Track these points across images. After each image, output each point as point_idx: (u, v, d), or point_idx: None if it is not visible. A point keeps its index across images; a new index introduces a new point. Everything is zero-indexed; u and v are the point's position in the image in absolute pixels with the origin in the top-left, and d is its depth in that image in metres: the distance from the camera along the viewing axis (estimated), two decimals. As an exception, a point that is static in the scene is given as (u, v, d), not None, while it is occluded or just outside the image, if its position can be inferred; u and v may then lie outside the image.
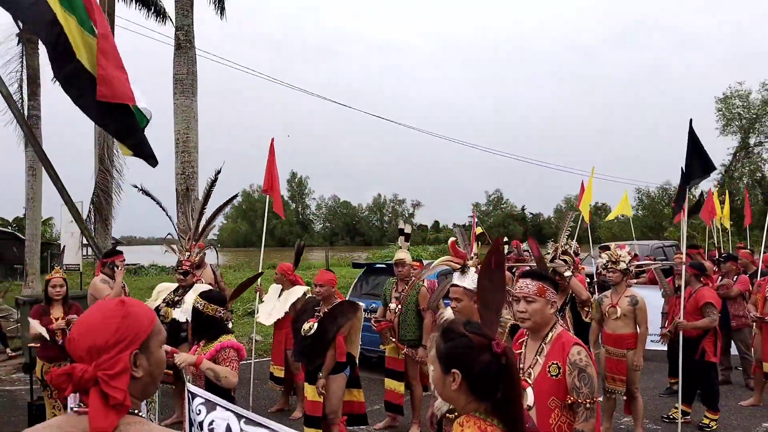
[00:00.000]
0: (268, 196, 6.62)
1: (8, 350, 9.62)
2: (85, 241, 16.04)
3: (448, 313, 3.92)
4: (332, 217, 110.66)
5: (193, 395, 3.18)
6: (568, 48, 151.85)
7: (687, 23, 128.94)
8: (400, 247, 6.39)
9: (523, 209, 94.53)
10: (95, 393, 1.30)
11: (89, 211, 14.07)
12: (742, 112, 38.26)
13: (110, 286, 5.96)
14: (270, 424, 2.92)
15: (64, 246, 13.06)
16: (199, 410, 3.09)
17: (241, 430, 2.91)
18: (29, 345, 6.00)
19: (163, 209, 6.28)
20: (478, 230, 15.12)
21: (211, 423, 3.01)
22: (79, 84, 3.17)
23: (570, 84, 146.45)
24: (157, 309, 5.77)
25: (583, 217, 9.77)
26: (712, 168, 6.11)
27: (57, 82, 3.24)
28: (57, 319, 5.36)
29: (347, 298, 6.45)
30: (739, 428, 6.02)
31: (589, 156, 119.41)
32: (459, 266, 3.66)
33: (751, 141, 38.40)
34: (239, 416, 2.98)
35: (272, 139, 6.53)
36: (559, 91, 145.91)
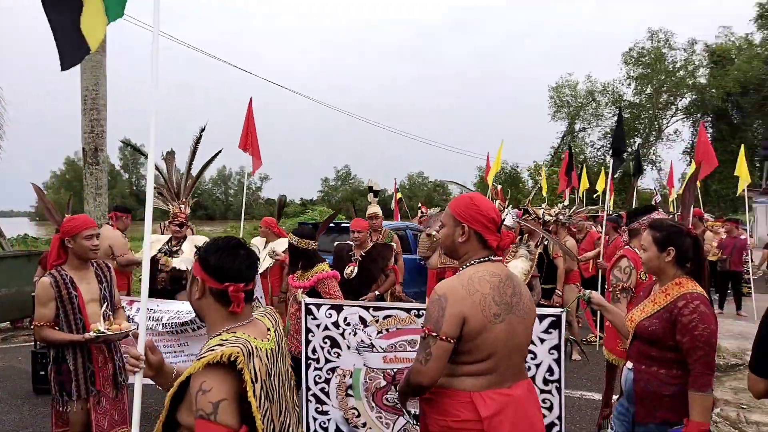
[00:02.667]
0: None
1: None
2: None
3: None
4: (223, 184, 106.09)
5: (317, 306, 3.76)
6: (410, 29, 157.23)
7: (521, 14, 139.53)
8: (370, 203, 7.09)
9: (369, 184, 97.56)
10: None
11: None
12: (570, 101, 43.24)
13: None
14: (393, 305, 3.70)
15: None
16: (330, 314, 3.68)
17: (373, 315, 3.61)
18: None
19: (159, 168, 6.36)
20: (399, 195, 16.59)
21: (345, 318, 3.65)
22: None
23: (414, 64, 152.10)
24: (155, 258, 5.96)
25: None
26: (623, 152, 8.00)
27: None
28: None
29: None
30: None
31: (434, 134, 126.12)
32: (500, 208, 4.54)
33: (577, 126, 43.55)
34: (365, 307, 3.67)
35: (251, 99, 6.83)
36: (403, 69, 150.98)
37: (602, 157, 42.37)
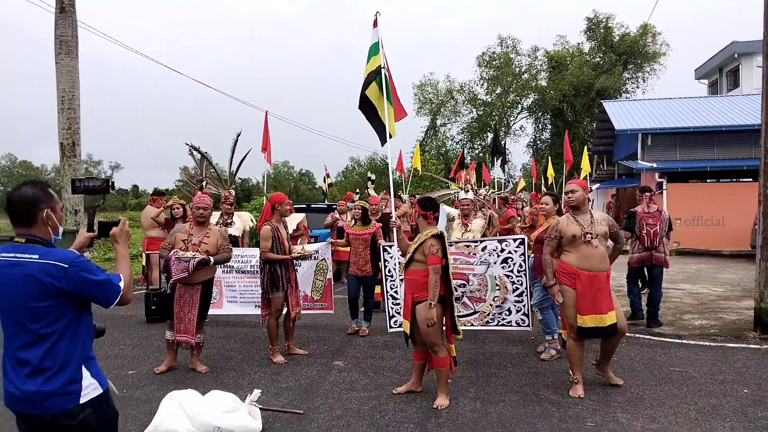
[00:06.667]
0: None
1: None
2: None
3: (452, 211, 7.76)
4: (7, 179, 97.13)
5: (390, 245, 6.45)
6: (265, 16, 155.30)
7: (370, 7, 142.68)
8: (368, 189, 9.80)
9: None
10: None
11: None
12: (432, 98, 47.77)
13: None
14: None
15: None
16: (392, 255, 6.42)
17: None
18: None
19: (209, 162, 8.53)
20: (330, 181, 19.49)
21: None
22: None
23: (268, 51, 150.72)
24: (215, 228, 8.23)
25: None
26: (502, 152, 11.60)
27: None
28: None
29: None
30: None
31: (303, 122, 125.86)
32: (467, 189, 7.50)
33: (438, 122, 48.17)
34: None
35: (266, 112, 9.20)
36: (259, 55, 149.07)
37: (460, 149, 47.44)
